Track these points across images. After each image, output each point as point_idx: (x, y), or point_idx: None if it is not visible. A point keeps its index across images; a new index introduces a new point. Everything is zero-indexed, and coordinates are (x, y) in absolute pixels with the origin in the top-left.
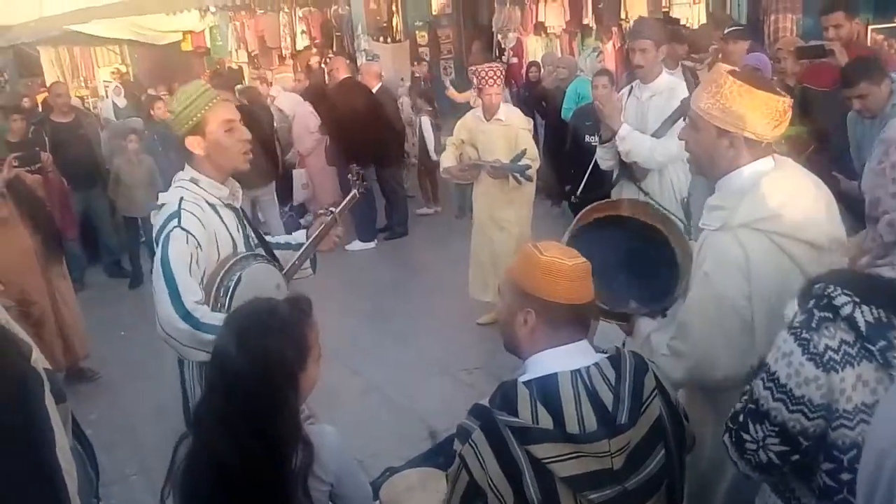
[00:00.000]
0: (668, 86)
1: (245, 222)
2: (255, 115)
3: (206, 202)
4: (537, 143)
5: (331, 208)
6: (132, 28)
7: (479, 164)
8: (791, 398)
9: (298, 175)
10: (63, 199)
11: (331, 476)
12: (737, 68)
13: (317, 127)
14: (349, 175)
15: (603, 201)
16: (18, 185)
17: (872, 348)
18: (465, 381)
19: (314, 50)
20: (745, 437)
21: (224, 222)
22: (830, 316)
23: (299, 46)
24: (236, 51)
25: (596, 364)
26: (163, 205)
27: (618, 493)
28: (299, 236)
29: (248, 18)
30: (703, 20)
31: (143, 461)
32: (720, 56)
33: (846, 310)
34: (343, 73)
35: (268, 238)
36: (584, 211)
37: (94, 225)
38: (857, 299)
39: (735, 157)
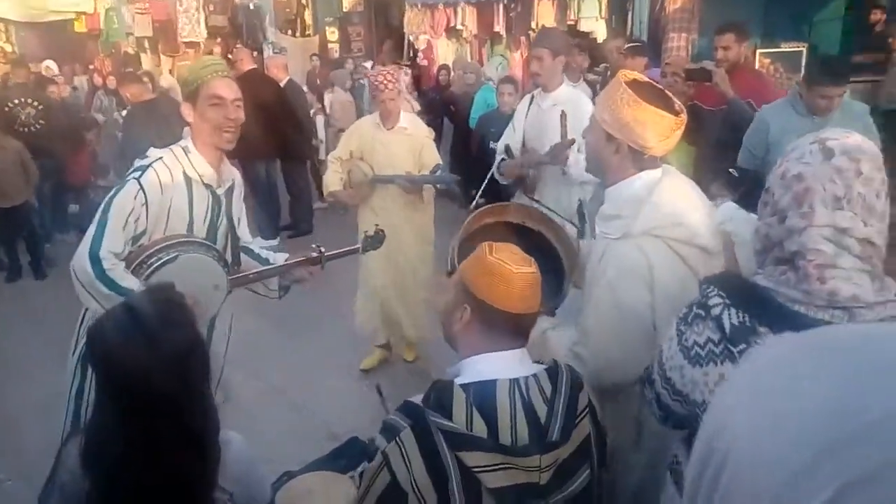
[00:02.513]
0: (570, 97)
1: (221, 212)
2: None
3: (184, 172)
4: (442, 147)
5: (322, 248)
6: (15, 5)
7: (390, 179)
8: (663, 376)
9: None
10: None
11: (234, 485)
12: (639, 77)
13: None
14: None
15: (491, 205)
16: None
17: (734, 350)
18: (366, 383)
19: (218, 39)
20: (646, 391)
21: (191, 199)
22: (703, 314)
23: (205, 35)
24: (131, 35)
25: (534, 375)
26: (145, 156)
27: None
28: (279, 258)
29: (145, 2)
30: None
31: (21, 465)
32: (609, 72)
33: (716, 310)
34: (248, 65)
35: (245, 243)
36: (473, 215)
37: None
38: (728, 301)
39: (620, 164)
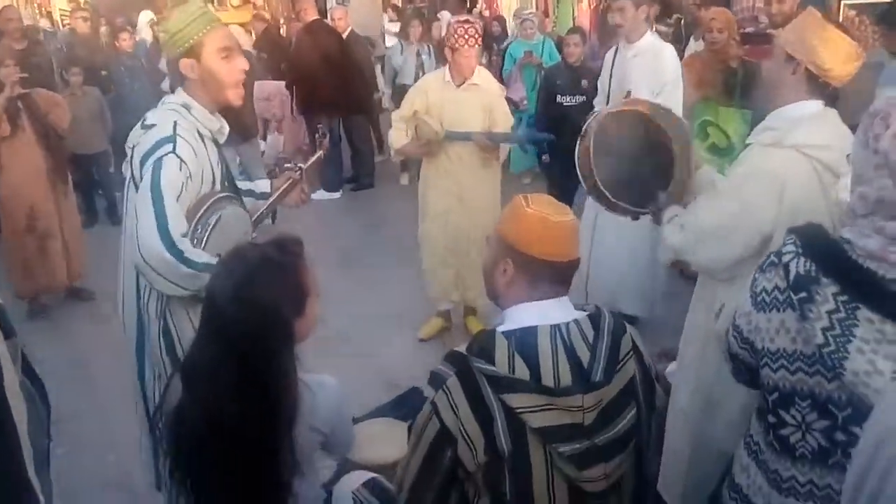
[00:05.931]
0: (653, 48)
1: (224, 161)
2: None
3: (198, 132)
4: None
5: (299, 164)
6: None
7: (466, 135)
8: (734, 325)
9: (273, 142)
10: None
11: (327, 427)
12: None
13: (274, 90)
14: (316, 134)
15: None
16: (33, 103)
17: (794, 297)
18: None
19: None
20: (727, 342)
21: (210, 156)
22: (776, 261)
23: None
24: None
25: (575, 321)
26: (152, 125)
27: (587, 447)
28: (263, 185)
29: None
30: None
31: (95, 399)
32: (682, 23)
33: (786, 258)
34: (312, 15)
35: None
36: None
37: None
38: (801, 251)
39: (794, 87)
